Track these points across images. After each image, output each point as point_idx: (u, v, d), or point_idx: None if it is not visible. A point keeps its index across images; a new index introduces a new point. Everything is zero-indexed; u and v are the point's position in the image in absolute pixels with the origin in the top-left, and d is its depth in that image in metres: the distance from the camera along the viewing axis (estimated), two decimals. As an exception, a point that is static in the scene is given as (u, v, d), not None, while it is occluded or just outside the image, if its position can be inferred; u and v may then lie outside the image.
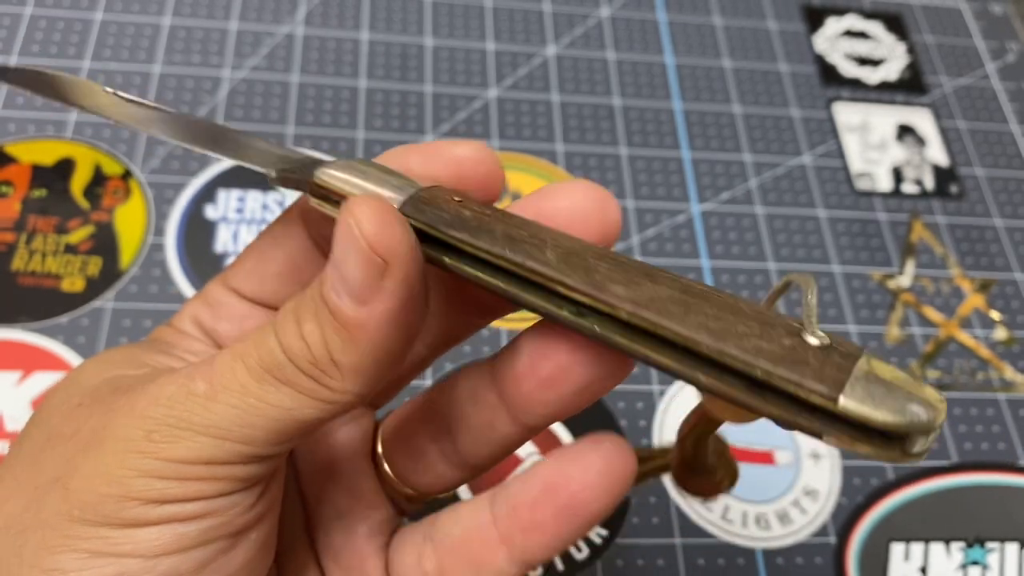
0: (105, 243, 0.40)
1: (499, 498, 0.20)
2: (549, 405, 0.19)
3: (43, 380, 0.36)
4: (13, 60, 0.45)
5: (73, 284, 0.39)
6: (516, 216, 0.18)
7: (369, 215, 0.16)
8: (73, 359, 0.37)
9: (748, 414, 0.16)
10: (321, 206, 0.19)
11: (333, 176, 0.19)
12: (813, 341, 0.15)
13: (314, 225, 0.21)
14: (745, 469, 0.39)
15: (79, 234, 0.40)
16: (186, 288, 0.40)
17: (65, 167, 0.42)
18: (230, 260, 0.41)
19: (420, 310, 0.18)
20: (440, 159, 0.20)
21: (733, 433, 0.40)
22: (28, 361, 0.37)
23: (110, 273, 0.40)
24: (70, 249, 0.40)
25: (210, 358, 0.18)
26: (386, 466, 0.23)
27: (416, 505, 0.24)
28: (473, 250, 0.18)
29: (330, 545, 0.23)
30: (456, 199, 0.18)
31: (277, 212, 0.43)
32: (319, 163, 0.20)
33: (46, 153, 0.42)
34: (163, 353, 0.21)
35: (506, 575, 0.20)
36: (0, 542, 0.18)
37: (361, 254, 0.16)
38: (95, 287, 0.39)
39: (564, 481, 0.19)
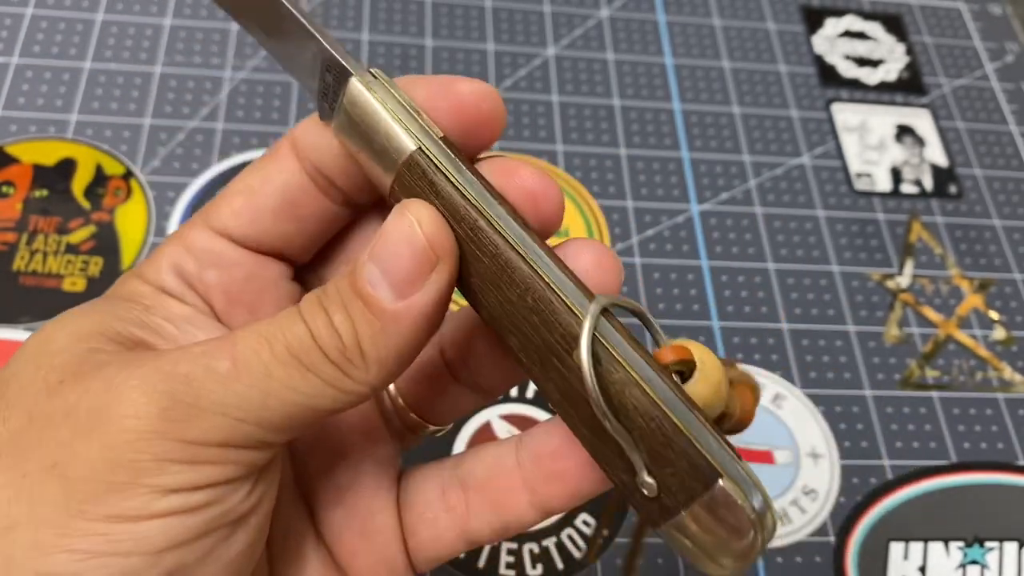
0: (106, 243, 0.40)
1: (523, 445, 0.21)
2: None
3: (44, 380, 0.37)
4: (14, 60, 0.45)
5: (74, 284, 0.39)
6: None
7: (428, 216, 0.18)
8: (74, 359, 0.37)
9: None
10: (344, 141, 0.20)
11: (367, 103, 0.19)
12: (644, 491, 0.18)
13: (310, 159, 0.21)
14: (744, 468, 0.39)
15: (80, 234, 0.41)
16: (187, 288, 0.40)
17: (66, 167, 0.42)
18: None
19: (443, 314, 0.19)
20: (444, 94, 0.20)
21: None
22: (29, 361, 0.37)
23: (111, 273, 0.40)
24: (71, 249, 0.40)
25: (228, 336, 0.18)
26: (400, 399, 0.23)
27: (419, 439, 0.24)
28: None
29: (335, 486, 0.22)
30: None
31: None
32: (347, 74, 0.20)
33: (47, 153, 0.42)
34: (139, 322, 0.20)
35: (527, 519, 0.21)
36: None
37: (419, 248, 0.18)
38: (96, 287, 0.39)
39: None
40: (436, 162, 0.19)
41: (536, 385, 0.19)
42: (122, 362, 0.18)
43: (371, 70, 0.20)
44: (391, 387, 0.23)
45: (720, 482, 0.18)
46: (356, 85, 0.19)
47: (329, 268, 0.23)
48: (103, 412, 0.17)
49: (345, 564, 0.22)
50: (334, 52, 0.20)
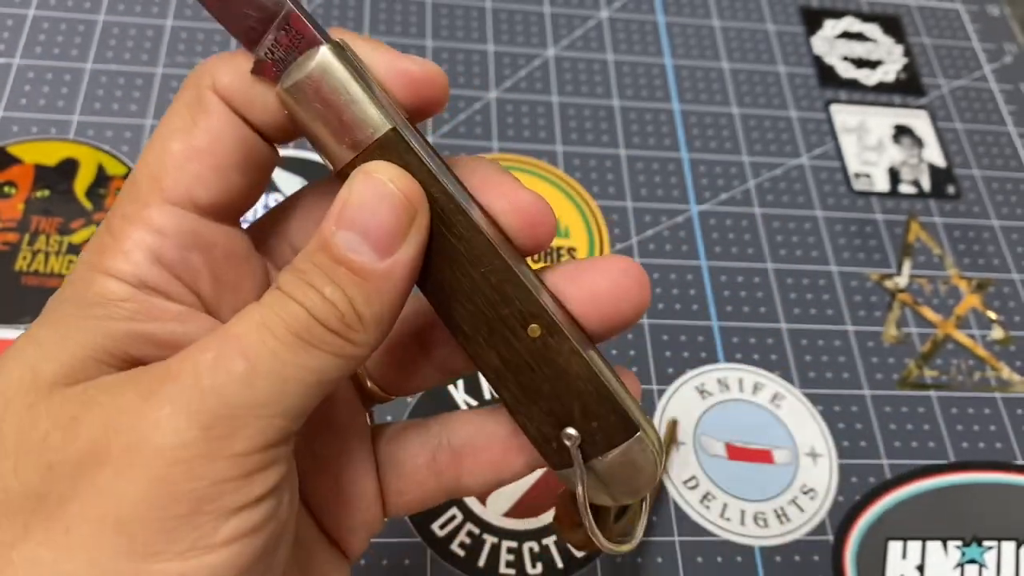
0: (108, 243, 0.41)
1: None
2: None
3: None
4: (16, 61, 0.45)
5: (76, 284, 0.39)
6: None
7: (398, 173, 0.19)
8: (76, 358, 0.37)
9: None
10: (294, 108, 0.19)
11: (341, 77, 0.19)
12: (565, 441, 0.21)
13: (244, 112, 0.20)
14: (744, 468, 0.40)
15: (82, 234, 0.41)
16: (188, 288, 0.40)
17: (68, 167, 0.42)
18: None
19: (421, 264, 0.19)
20: (393, 70, 0.20)
21: (735, 433, 0.40)
22: (31, 360, 0.37)
23: (113, 273, 0.40)
24: (73, 249, 0.40)
25: (226, 334, 0.17)
26: (361, 367, 0.24)
27: (376, 402, 0.25)
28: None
29: (320, 459, 0.22)
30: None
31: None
32: (315, 41, 0.19)
33: (49, 154, 0.43)
34: (128, 335, 0.18)
35: (521, 474, 0.23)
36: None
37: (398, 204, 0.18)
38: (98, 287, 0.39)
39: None
40: (409, 144, 0.19)
41: (472, 351, 0.21)
42: (140, 389, 0.17)
43: (339, 40, 0.19)
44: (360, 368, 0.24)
45: (639, 432, 0.21)
46: (329, 57, 0.19)
47: (280, 238, 0.22)
48: (144, 446, 0.16)
49: (328, 530, 0.23)
50: (301, 15, 0.19)
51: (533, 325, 0.20)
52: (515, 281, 0.20)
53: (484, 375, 0.21)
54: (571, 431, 0.21)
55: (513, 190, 0.20)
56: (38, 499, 0.16)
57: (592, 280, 0.20)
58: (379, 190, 0.18)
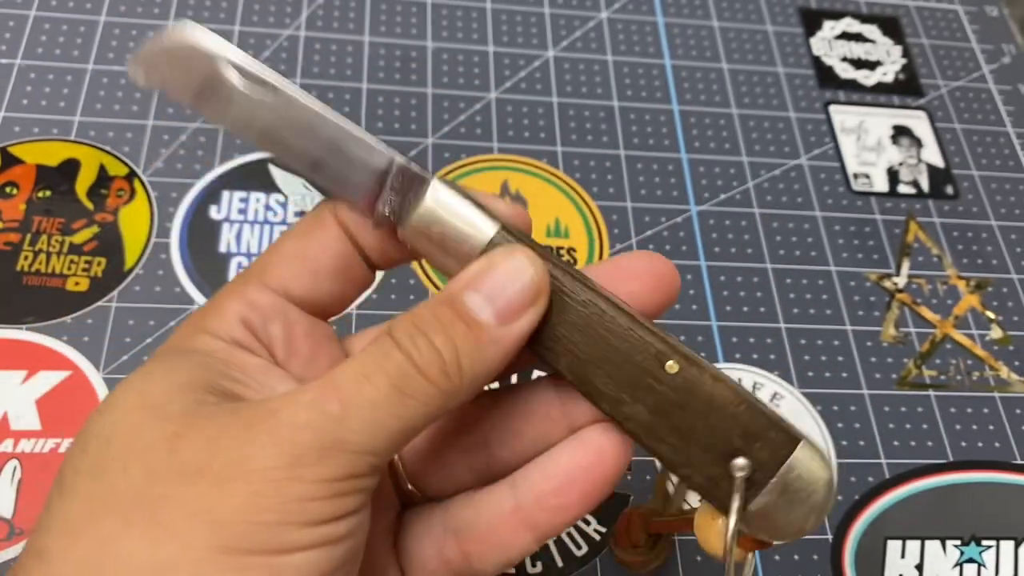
0: (109, 243, 0.41)
1: (521, 489, 0.23)
2: None
3: (47, 379, 0.37)
4: (18, 62, 0.45)
5: (78, 284, 0.39)
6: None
7: (534, 258, 0.21)
8: (77, 358, 0.37)
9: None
10: (412, 238, 0.22)
11: (451, 198, 0.22)
12: (736, 473, 0.21)
13: (355, 237, 0.23)
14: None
15: (84, 234, 0.41)
16: (190, 288, 0.40)
17: (70, 168, 0.42)
18: (234, 260, 0.41)
19: (526, 342, 0.21)
20: (490, 205, 0.23)
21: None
22: (33, 360, 0.37)
23: (114, 273, 0.40)
24: (75, 249, 0.40)
25: (328, 380, 0.20)
26: (400, 466, 0.25)
27: (411, 503, 0.25)
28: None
29: None
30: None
31: (280, 213, 0.43)
32: (425, 179, 0.22)
33: (51, 154, 0.43)
34: (225, 375, 0.21)
35: (530, 550, 0.23)
36: None
37: (527, 283, 0.21)
38: (99, 287, 0.39)
39: (585, 470, 0.22)
40: (520, 238, 0.22)
41: (621, 416, 0.22)
42: (240, 420, 0.19)
43: (436, 175, 0.22)
44: (398, 461, 0.25)
45: (803, 440, 0.21)
46: (439, 187, 0.22)
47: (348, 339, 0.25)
48: (242, 465, 0.18)
49: None
50: (408, 163, 0.22)
51: (670, 362, 0.21)
52: (640, 326, 0.21)
53: (638, 440, 0.22)
54: (739, 461, 0.21)
55: (630, 259, 0.23)
56: (140, 498, 0.18)
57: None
58: (515, 266, 0.21)
